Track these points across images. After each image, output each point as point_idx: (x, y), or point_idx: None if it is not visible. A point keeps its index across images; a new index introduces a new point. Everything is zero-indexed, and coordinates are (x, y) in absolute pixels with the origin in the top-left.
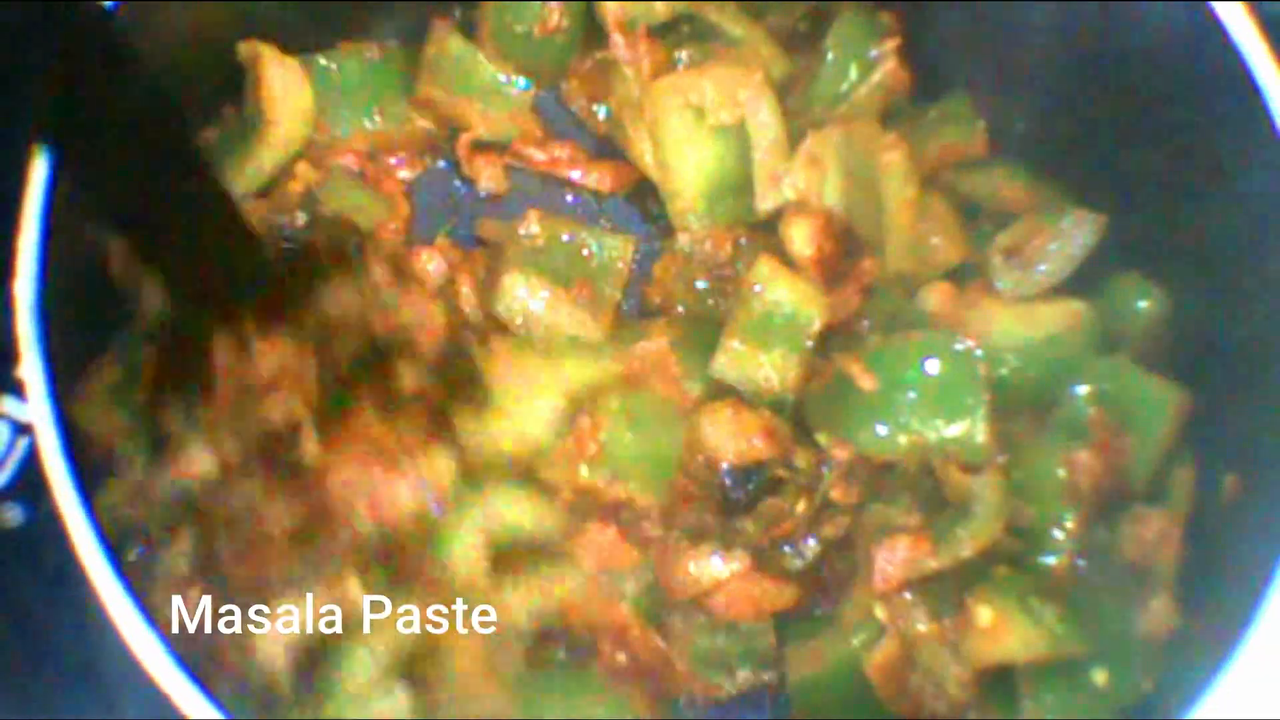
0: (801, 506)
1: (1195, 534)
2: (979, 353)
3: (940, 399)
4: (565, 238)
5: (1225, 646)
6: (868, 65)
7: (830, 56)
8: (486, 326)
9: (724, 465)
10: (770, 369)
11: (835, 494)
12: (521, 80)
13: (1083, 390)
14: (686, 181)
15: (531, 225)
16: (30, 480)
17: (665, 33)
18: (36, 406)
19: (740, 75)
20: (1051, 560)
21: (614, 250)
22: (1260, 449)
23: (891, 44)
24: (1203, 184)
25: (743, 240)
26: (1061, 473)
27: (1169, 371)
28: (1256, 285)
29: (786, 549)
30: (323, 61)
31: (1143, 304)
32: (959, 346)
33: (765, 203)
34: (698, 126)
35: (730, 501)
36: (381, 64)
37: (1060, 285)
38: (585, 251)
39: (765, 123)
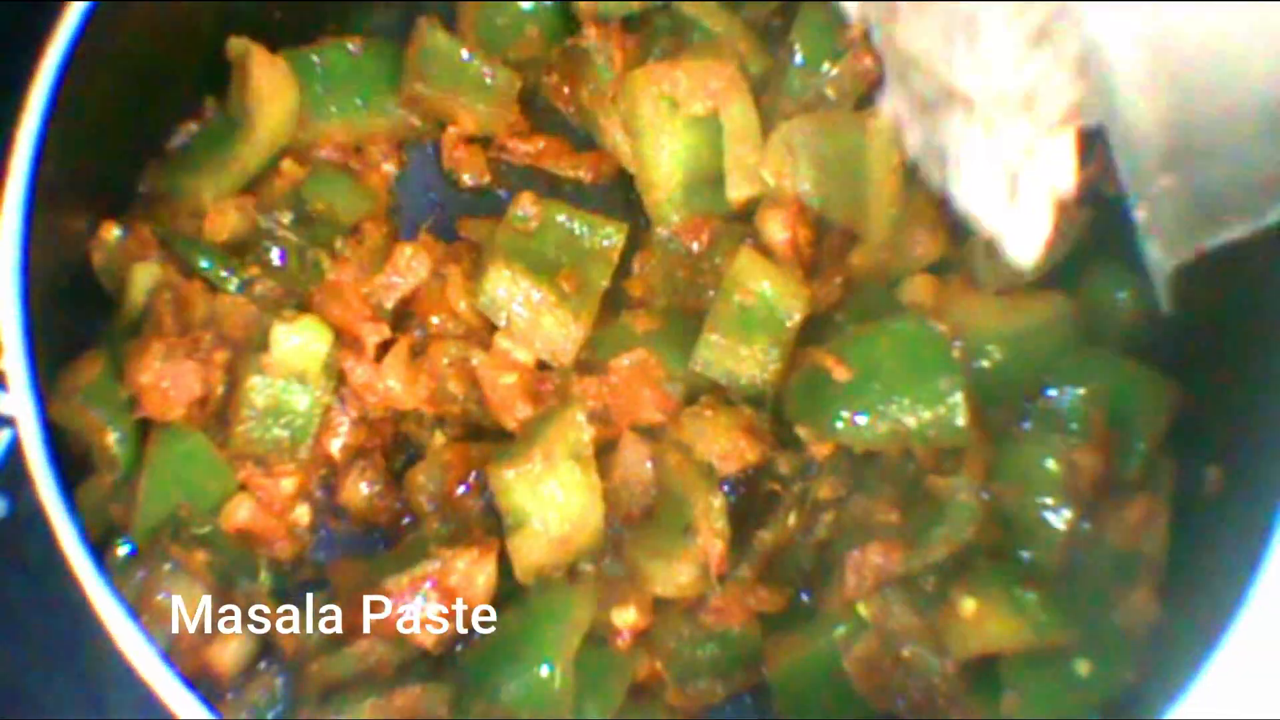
0: (793, 520)
1: (1178, 526)
2: (957, 341)
3: (916, 383)
4: (560, 219)
5: (1209, 640)
6: (835, 56)
7: (796, 48)
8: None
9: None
10: (752, 362)
11: (822, 492)
12: (505, 73)
13: (1078, 387)
14: (663, 173)
15: (526, 207)
16: (12, 472)
17: (642, 26)
18: (18, 399)
19: (713, 66)
20: (1040, 553)
21: (607, 235)
22: (1243, 441)
23: (856, 31)
24: None
25: (720, 231)
26: (1052, 464)
27: (1150, 362)
28: (1239, 276)
29: (784, 558)
30: (314, 58)
31: (1123, 295)
32: (929, 330)
33: (736, 192)
34: (672, 117)
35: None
36: (365, 57)
37: (1042, 278)
38: (578, 233)
39: (737, 113)
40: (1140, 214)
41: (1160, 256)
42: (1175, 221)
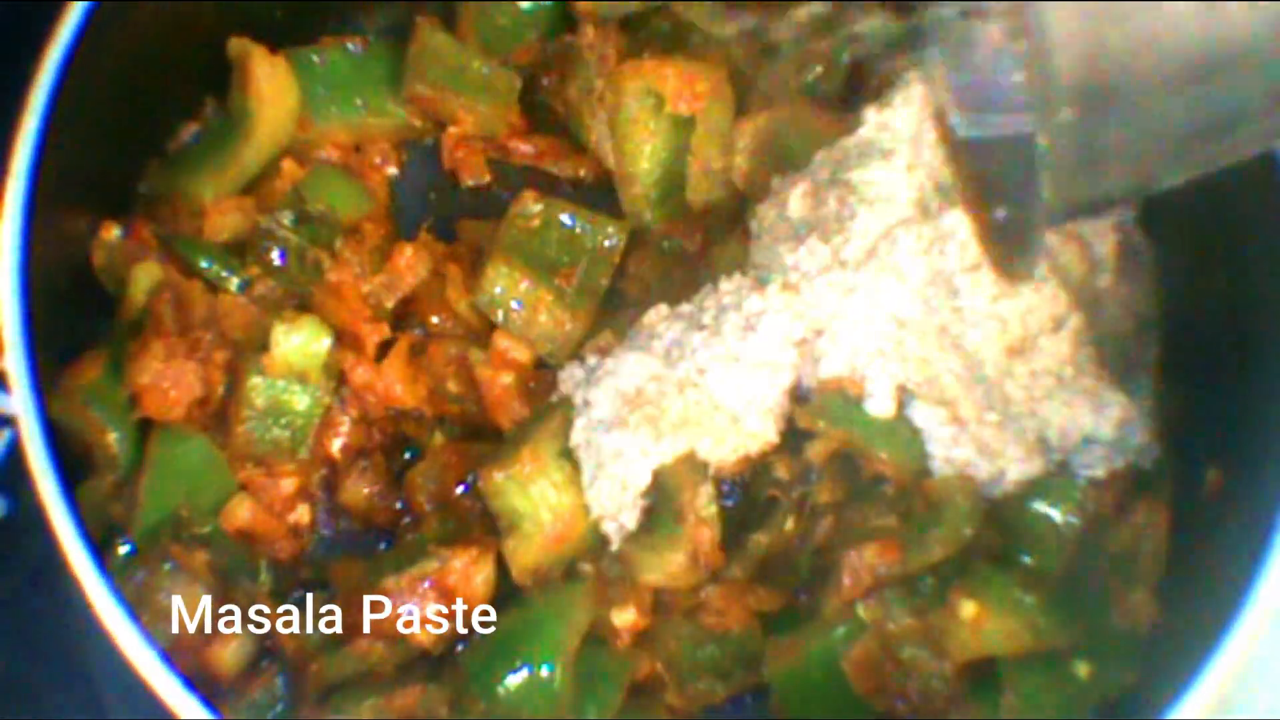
0: (791, 524)
1: (1178, 526)
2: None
3: None
4: (563, 218)
5: (1209, 640)
6: (820, 55)
7: (782, 51)
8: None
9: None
10: None
11: (821, 497)
12: (505, 73)
13: None
14: (642, 170)
15: (529, 205)
16: (12, 472)
17: (640, 27)
18: (18, 399)
19: (703, 69)
20: (1041, 558)
21: (609, 235)
22: (1243, 443)
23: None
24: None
25: (715, 231)
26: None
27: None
28: (1240, 280)
29: (782, 561)
30: (314, 58)
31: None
32: None
33: (695, 195)
34: (657, 115)
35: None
36: (365, 57)
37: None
38: (580, 233)
39: (714, 117)
40: (1041, 141)
41: (1048, 193)
42: (1067, 160)
